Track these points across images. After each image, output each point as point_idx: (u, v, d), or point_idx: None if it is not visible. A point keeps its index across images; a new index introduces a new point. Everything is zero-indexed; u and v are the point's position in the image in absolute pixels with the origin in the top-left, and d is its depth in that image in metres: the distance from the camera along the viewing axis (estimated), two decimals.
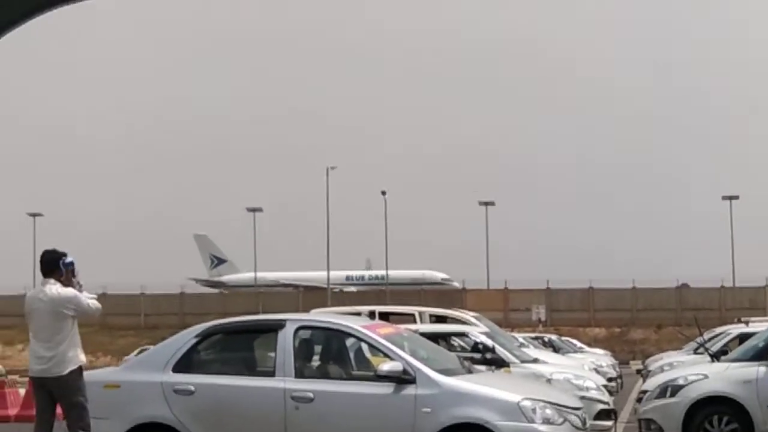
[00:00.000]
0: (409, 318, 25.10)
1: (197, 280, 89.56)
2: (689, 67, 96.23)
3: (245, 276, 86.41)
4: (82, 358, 11.93)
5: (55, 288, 11.77)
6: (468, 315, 26.21)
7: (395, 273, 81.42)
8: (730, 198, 77.15)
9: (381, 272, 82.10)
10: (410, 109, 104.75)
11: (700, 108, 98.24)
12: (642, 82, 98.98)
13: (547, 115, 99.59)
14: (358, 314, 22.19)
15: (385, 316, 24.28)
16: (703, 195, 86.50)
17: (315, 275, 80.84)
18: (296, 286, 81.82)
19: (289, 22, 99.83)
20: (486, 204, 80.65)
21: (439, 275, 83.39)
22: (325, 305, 47.65)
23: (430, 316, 25.56)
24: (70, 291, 11.79)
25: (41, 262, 12.02)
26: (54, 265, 11.90)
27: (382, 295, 71.29)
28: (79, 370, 11.81)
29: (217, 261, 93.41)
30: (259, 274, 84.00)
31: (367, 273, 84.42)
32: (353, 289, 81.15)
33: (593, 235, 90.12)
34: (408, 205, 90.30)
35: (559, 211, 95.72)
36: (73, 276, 11.96)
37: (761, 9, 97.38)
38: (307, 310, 30.86)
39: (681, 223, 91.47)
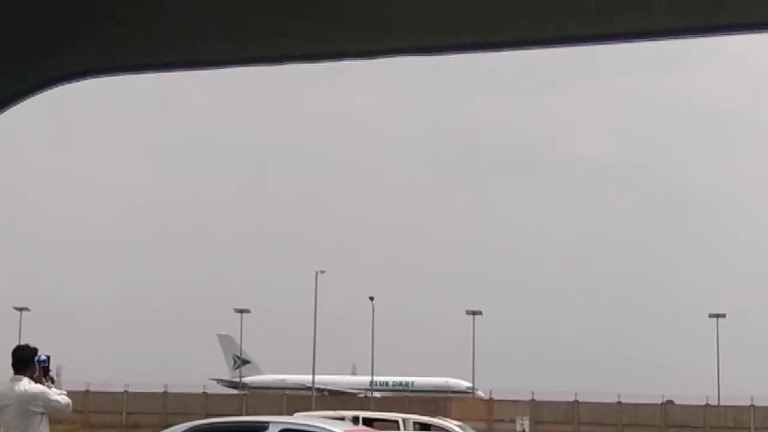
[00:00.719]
0: (393, 424, 25.20)
1: (219, 381, 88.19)
2: (681, 182, 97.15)
3: (268, 378, 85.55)
4: None
5: (22, 385, 11.65)
6: (452, 423, 26.34)
7: (419, 380, 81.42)
8: (717, 316, 77.31)
9: (406, 379, 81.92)
10: (402, 214, 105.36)
11: (690, 224, 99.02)
12: (634, 197, 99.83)
13: (533, 223, 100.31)
14: (342, 419, 22.30)
15: (369, 422, 24.38)
16: (690, 312, 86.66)
17: (335, 379, 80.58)
18: (321, 390, 79.26)
19: (286, 127, 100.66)
20: (473, 313, 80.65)
21: (464, 384, 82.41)
22: (309, 409, 47.46)
23: (414, 423, 25.67)
24: (37, 388, 11.68)
25: (14, 358, 11.82)
26: (28, 362, 11.78)
27: (366, 401, 70.86)
28: None
29: (240, 362, 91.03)
30: (281, 377, 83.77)
31: (391, 379, 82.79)
32: (377, 395, 79.53)
33: (580, 348, 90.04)
34: (396, 310, 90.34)
35: (548, 322, 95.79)
36: (47, 373, 11.89)
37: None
38: (291, 413, 30.87)
39: (668, 339, 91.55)
